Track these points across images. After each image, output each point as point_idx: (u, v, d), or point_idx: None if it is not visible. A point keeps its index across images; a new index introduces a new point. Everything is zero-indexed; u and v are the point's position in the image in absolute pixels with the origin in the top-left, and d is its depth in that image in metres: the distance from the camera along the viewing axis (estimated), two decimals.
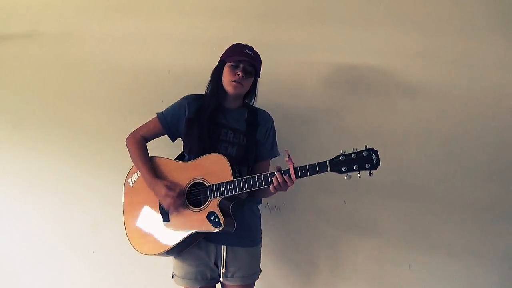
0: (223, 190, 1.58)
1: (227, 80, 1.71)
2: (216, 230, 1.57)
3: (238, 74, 1.69)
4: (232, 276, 1.70)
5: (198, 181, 1.64)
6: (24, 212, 2.35)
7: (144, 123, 1.84)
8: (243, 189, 1.56)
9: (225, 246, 1.69)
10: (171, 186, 1.64)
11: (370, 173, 1.44)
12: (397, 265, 2.08)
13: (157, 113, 1.82)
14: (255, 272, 1.76)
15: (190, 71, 2.19)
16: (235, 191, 1.57)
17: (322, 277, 2.14)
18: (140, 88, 2.29)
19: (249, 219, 1.76)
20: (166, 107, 1.82)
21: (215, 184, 1.60)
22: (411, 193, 2.08)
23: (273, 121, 1.85)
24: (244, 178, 1.56)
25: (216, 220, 1.58)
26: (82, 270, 2.31)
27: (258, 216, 1.83)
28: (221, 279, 1.73)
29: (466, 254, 2.04)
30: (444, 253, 2.05)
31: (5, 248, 2.37)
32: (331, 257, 2.13)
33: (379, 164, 1.44)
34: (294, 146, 2.02)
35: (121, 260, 2.23)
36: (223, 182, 1.59)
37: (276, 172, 1.52)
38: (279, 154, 1.84)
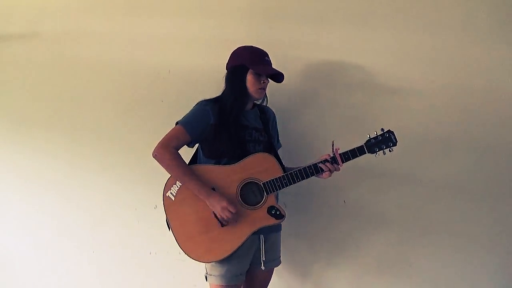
0: (278, 185, 1.72)
1: (255, 88, 1.79)
2: (280, 222, 1.73)
3: (264, 82, 1.81)
4: (267, 262, 1.83)
5: (249, 181, 1.73)
6: (25, 211, 2.33)
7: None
8: (297, 180, 1.73)
9: (263, 236, 1.81)
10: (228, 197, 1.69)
11: (390, 150, 1.82)
12: (397, 264, 2.14)
13: (179, 122, 1.78)
14: (280, 255, 1.93)
15: (190, 71, 2.17)
16: (289, 183, 1.73)
17: (322, 276, 2.20)
18: (140, 88, 2.27)
19: None
20: (184, 116, 1.79)
21: (270, 180, 1.72)
22: (411, 193, 2.13)
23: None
24: (296, 171, 1.73)
25: (278, 213, 1.73)
26: (82, 270, 2.30)
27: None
28: (262, 266, 1.80)
29: (467, 254, 2.09)
30: (445, 252, 2.10)
31: (5, 247, 2.35)
32: (331, 257, 2.19)
33: (397, 141, 1.82)
34: (295, 143, 2.18)
35: (121, 259, 2.26)
36: (277, 178, 1.72)
37: (325, 161, 1.75)
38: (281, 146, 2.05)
